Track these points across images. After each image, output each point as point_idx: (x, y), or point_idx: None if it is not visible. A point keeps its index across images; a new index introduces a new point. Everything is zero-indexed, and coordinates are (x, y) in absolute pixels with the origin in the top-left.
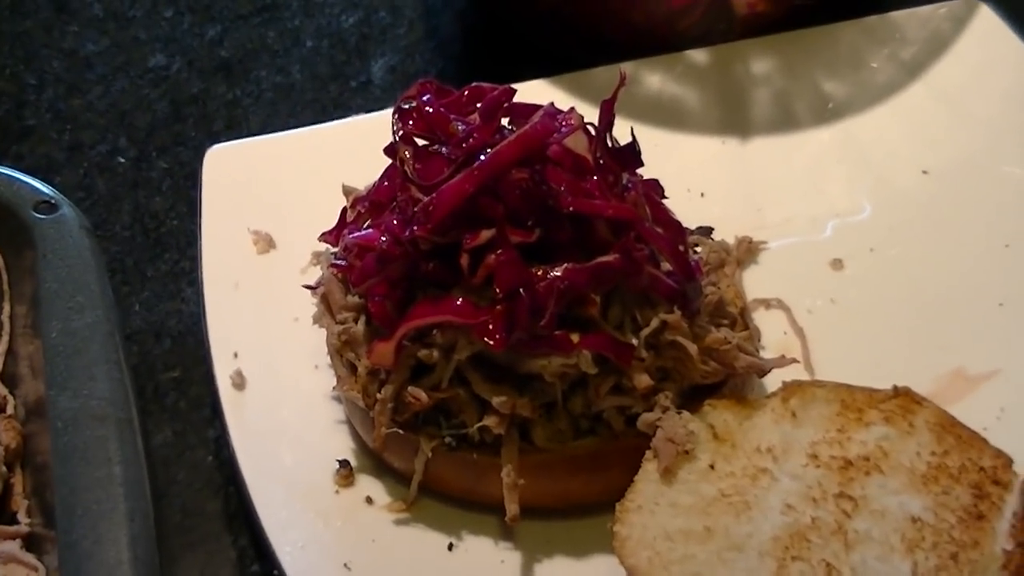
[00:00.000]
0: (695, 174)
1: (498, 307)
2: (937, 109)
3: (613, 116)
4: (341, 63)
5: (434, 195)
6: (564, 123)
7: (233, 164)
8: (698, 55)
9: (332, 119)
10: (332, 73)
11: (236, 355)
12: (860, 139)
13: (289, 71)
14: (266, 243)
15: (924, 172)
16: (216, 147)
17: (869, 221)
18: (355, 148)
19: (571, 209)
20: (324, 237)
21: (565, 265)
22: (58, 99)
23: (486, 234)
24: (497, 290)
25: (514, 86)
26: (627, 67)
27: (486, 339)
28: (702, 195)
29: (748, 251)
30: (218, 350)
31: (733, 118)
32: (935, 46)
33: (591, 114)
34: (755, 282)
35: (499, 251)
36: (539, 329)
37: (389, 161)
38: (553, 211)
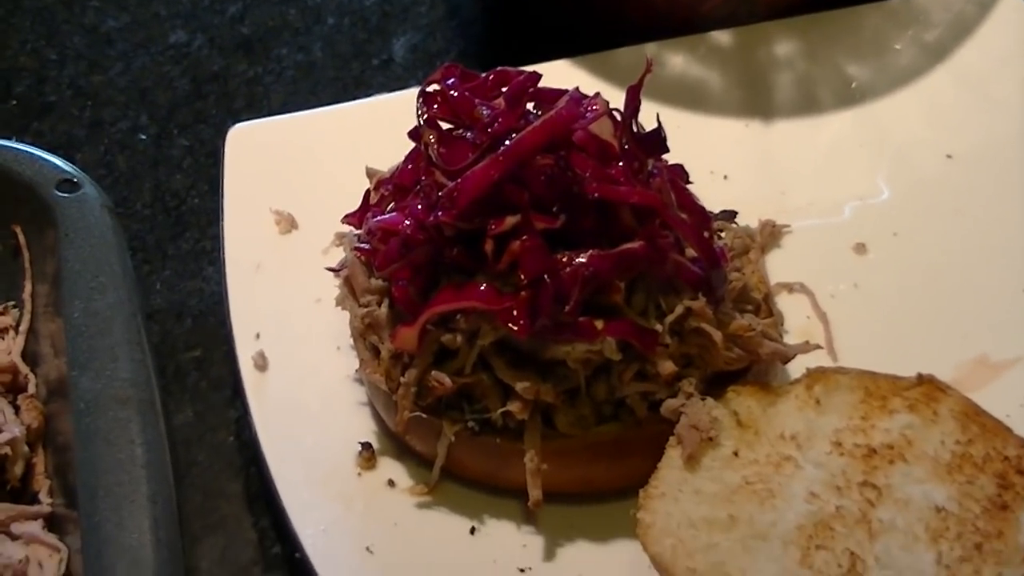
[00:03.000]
0: (718, 156)
1: (522, 293)
2: (961, 93)
3: (639, 102)
4: (362, 41)
5: (459, 181)
6: (589, 108)
7: (255, 143)
8: (721, 36)
9: (353, 98)
10: (353, 51)
11: (258, 336)
12: (883, 122)
13: (310, 49)
14: (288, 223)
15: (948, 156)
16: (238, 126)
17: (890, 205)
18: (378, 128)
19: (596, 195)
20: (347, 219)
21: (590, 252)
22: (79, 75)
23: (511, 220)
24: (522, 276)
25: (536, 67)
26: (650, 48)
27: (510, 325)
28: (725, 177)
29: (772, 235)
30: (240, 331)
31: (756, 100)
32: (959, 30)
33: (615, 96)
34: (778, 266)
35: (524, 237)
36: (563, 316)
37: (411, 142)
38: (578, 197)
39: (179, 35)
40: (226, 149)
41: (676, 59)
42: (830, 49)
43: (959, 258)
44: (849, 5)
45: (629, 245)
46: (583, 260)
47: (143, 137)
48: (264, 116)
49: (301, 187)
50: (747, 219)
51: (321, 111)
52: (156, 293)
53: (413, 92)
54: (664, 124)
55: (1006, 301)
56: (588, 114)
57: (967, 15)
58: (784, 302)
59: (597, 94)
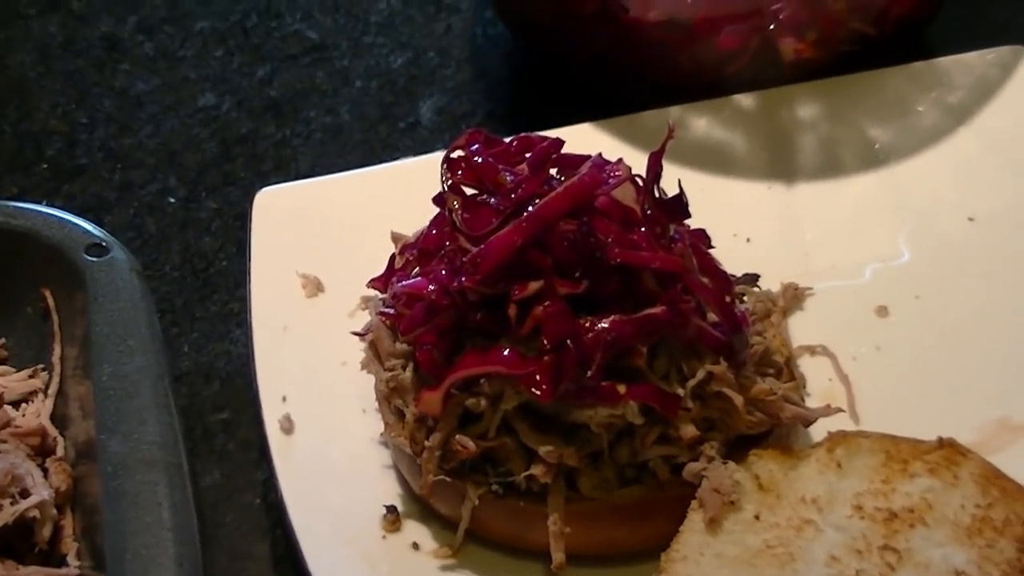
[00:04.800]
0: (741, 219)
1: (545, 358)
2: (984, 156)
3: (661, 168)
4: (389, 104)
5: (482, 246)
6: (612, 174)
7: (282, 206)
8: (745, 99)
9: (380, 160)
10: (381, 114)
11: (284, 399)
12: (906, 185)
13: (338, 111)
14: (315, 286)
15: (970, 219)
16: (266, 189)
17: (912, 267)
18: (403, 192)
19: (618, 260)
20: (373, 283)
21: (612, 317)
22: (109, 138)
23: (534, 286)
24: (545, 341)
25: (561, 130)
26: (674, 111)
27: (533, 390)
28: (748, 240)
29: (794, 298)
30: (266, 394)
31: (779, 163)
32: (982, 92)
33: (638, 159)
34: (800, 328)
35: (547, 303)
36: (586, 380)
37: (436, 206)
38: (600, 262)
39: (208, 98)
40: (253, 212)
41: (700, 122)
42: (853, 111)
43: (981, 320)
44: (872, 67)
45: (651, 310)
46: (606, 325)
47: (172, 200)
48: (292, 178)
49: (327, 250)
50: (769, 281)
51: (347, 175)
52: (184, 355)
53: (438, 156)
54: (686, 187)
55: None
56: (611, 180)
57: (990, 77)
58: (806, 364)
59: (620, 160)
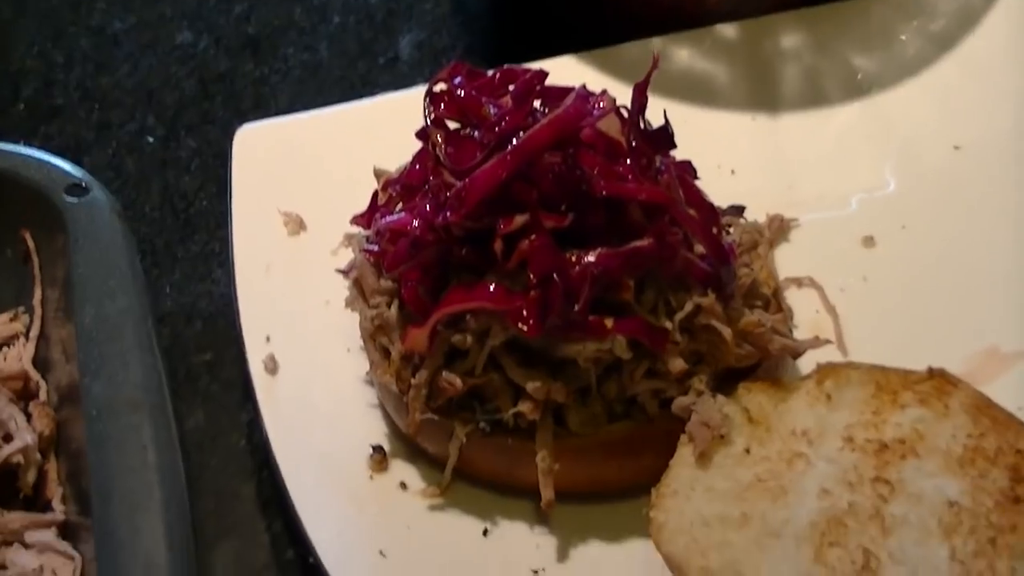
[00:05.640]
0: (725, 150)
1: (532, 293)
2: (968, 84)
3: (646, 99)
4: (368, 39)
5: (467, 180)
6: (596, 106)
7: (263, 144)
8: (727, 30)
9: (360, 96)
10: (359, 50)
11: (268, 339)
12: (890, 114)
13: (316, 48)
14: (297, 224)
15: (956, 148)
16: (246, 127)
17: (898, 197)
18: (385, 127)
19: (604, 193)
20: (356, 220)
21: (599, 250)
22: (86, 77)
23: (519, 219)
24: (531, 276)
25: (542, 62)
26: (656, 43)
27: (520, 325)
28: (732, 172)
29: (780, 230)
30: (250, 334)
31: (763, 93)
32: (965, 20)
33: (621, 91)
34: (787, 260)
35: (533, 236)
36: (573, 315)
37: (419, 141)
38: (586, 195)
39: (185, 35)
40: (234, 151)
41: (682, 53)
42: (836, 41)
43: (968, 250)
44: None
45: (638, 243)
46: (592, 258)
47: (151, 139)
48: (271, 116)
49: (309, 188)
50: (755, 213)
51: (328, 111)
52: (166, 296)
53: (420, 90)
54: (670, 119)
55: (1016, 292)
56: (595, 111)
57: (973, 5)
58: (793, 297)
59: (604, 91)
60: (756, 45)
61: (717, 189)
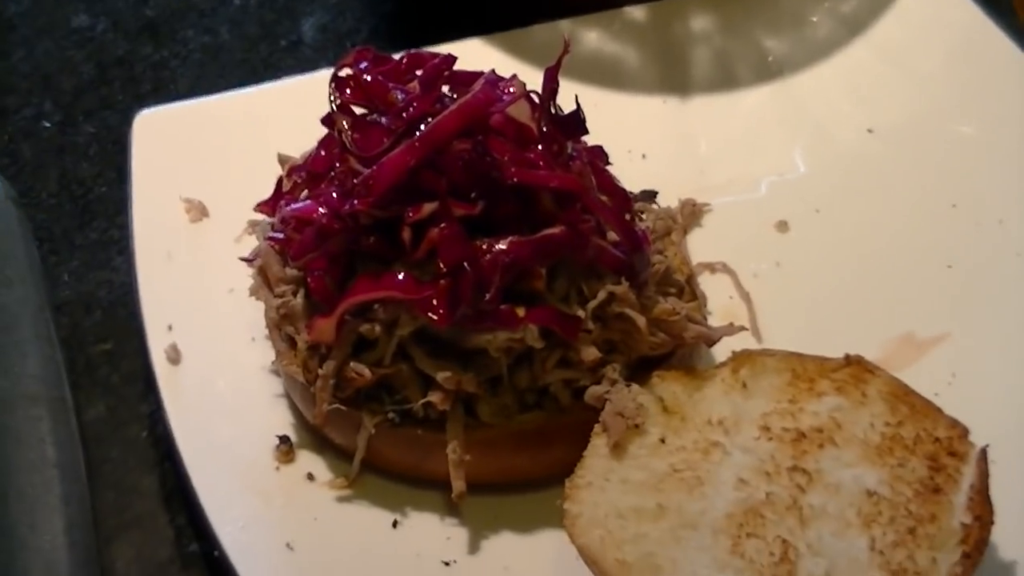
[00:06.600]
0: (636, 134)
1: (441, 282)
2: (880, 67)
3: (557, 84)
4: (270, 22)
5: (374, 168)
6: (506, 91)
7: (163, 129)
8: (636, 12)
9: (262, 80)
10: (261, 32)
11: (170, 328)
12: (802, 97)
13: (217, 31)
14: (199, 211)
15: (869, 131)
16: (145, 112)
17: (809, 181)
18: (288, 112)
19: (515, 181)
20: (260, 207)
21: (510, 238)
22: None
23: (428, 208)
24: (441, 265)
25: (449, 45)
26: (565, 26)
27: (430, 315)
28: (644, 156)
29: (692, 215)
30: (151, 323)
31: (673, 77)
32: (877, 1)
33: (530, 75)
34: (699, 246)
35: (442, 225)
36: (484, 304)
37: (324, 126)
38: (497, 183)
39: (82, 19)
40: (133, 136)
41: (591, 36)
42: (746, 23)
43: (882, 234)
44: None
45: (550, 230)
46: (503, 247)
47: (47, 125)
48: (171, 101)
49: (211, 174)
50: (667, 198)
51: (230, 95)
52: (64, 284)
53: (324, 74)
54: (581, 103)
55: (931, 277)
56: (505, 97)
57: None
58: (706, 282)
59: (514, 76)
60: (666, 27)
61: (629, 174)
